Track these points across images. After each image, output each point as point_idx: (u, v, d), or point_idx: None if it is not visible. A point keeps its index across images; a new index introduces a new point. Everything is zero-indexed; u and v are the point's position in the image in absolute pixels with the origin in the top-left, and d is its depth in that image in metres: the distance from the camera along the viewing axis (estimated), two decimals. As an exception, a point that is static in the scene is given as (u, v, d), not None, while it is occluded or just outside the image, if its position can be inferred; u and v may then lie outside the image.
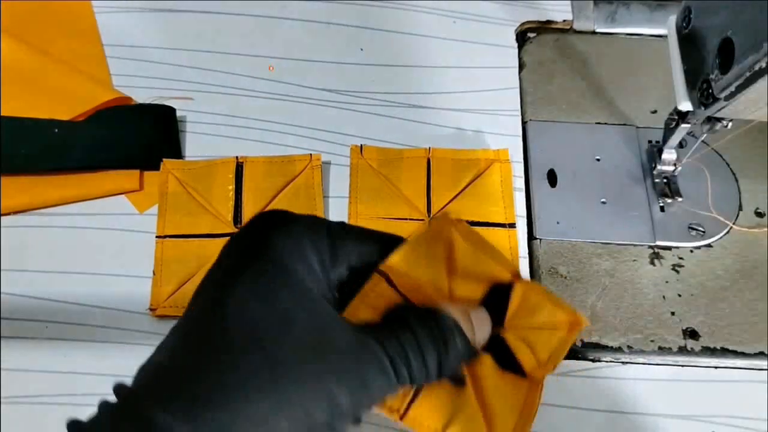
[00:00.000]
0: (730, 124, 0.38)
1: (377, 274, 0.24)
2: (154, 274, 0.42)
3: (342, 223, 0.24)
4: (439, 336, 0.22)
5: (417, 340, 0.21)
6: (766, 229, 0.45)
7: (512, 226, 0.44)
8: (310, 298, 0.21)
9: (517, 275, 0.26)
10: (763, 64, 0.29)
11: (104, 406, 0.20)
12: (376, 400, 0.21)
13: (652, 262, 0.44)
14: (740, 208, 0.45)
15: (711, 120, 0.38)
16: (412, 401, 0.24)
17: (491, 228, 0.44)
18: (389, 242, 0.25)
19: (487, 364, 0.26)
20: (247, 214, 0.43)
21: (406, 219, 0.44)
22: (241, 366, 0.19)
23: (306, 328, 0.20)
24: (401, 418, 0.24)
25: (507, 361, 0.26)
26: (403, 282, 0.25)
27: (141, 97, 0.49)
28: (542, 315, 0.26)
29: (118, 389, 0.20)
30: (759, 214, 0.45)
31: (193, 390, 0.19)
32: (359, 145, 0.47)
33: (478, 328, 0.24)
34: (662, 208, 0.45)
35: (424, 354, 0.21)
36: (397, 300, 0.25)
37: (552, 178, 0.47)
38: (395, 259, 0.25)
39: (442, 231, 0.26)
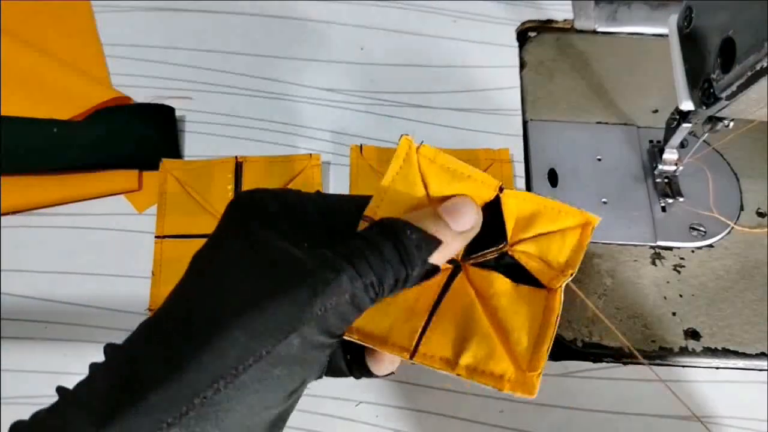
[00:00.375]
0: (732, 123, 0.38)
1: (363, 220, 0.24)
2: (153, 274, 0.42)
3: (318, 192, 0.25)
4: (390, 232, 0.22)
5: (367, 238, 0.22)
6: (767, 229, 0.44)
7: None
8: (265, 240, 0.22)
9: (500, 188, 0.25)
10: (765, 64, 0.29)
11: (94, 364, 0.21)
12: (344, 303, 0.21)
13: (653, 263, 0.43)
14: (741, 208, 0.45)
15: (712, 120, 0.38)
16: (421, 338, 0.24)
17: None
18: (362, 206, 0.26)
19: (497, 282, 0.25)
20: (247, 214, 0.43)
21: None
22: (195, 307, 0.20)
23: (258, 259, 0.21)
24: (411, 356, 0.24)
25: (524, 277, 0.25)
26: (425, 164, 0.25)
27: (140, 96, 0.49)
28: (544, 222, 0.26)
29: (108, 346, 0.21)
30: (760, 214, 0.45)
31: (176, 333, 0.20)
32: (359, 144, 0.47)
33: (454, 218, 0.24)
34: (663, 208, 0.45)
35: (380, 248, 0.22)
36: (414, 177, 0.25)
37: (553, 177, 0.47)
38: (376, 203, 0.25)
39: (412, 164, 0.25)
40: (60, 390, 0.21)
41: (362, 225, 0.24)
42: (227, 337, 0.19)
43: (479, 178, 0.25)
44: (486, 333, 0.24)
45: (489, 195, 0.25)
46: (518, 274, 0.26)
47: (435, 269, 0.23)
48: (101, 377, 0.20)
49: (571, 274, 0.25)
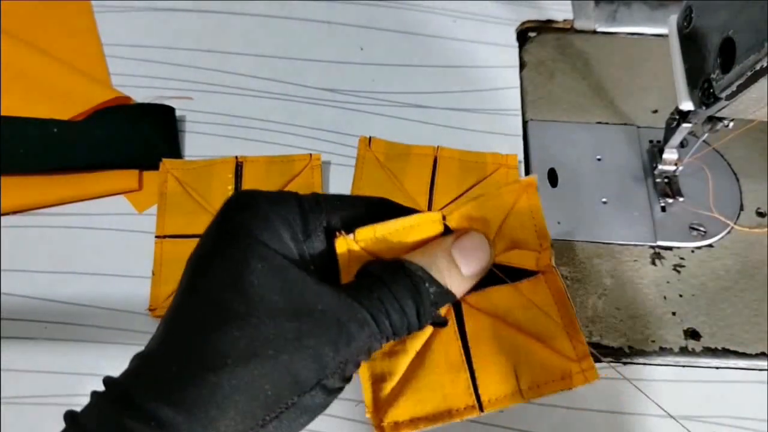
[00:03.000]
0: (732, 123, 0.38)
1: (341, 237, 0.24)
2: (153, 274, 0.42)
3: (315, 195, 0.25)
4: (411, 285, 0.22)
5: (391, 291, 0.22)
6: (767, 229, 0.44)
7: None
8: (281, 267, 0.22)
9: (443, 217, 0.25)
10: (765, 64, 0.29)
11: (95, 395, 0.21)
12: (362, 354, 0.22)
13: (653, 263, 0.43)
14: (741, 208, 0.45)
15: (712, 119, 0.38)
16: (476, 389, 0.24)
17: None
18: (374, 204, 0.25)
19: (499, 296, 0.25)
20: (247, 214, 0.43)
21: None
22: (219, 343, 0.20)
23: (281, 295, 0.21)
24: (481, 410, 0.24)
25: (512, 274, 0.25)
26: (371, 244, 0.24)
27: (140, 96, 0.49)
28: (495, 212, 0.25)
29: (107, 380, 0.21)
30: (760, 214, 0.45)
31: (174, 373, 0.19)
32: (368, 137, 0.47)
33: (467, 260, 0.24)
34: (663, 208, 0.45)
35: (401, 304, 0.22)
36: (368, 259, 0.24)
37: (553, 177, 0.47)
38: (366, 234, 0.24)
39: (357, 256, 0.24)
40: (67, 417, 0.21)
41: (338, 242, 0.24)
42: (249, 389, 0.19)
43: (422, 221, 0.25)
44: (527, 349, 0.24)
45: (438, 228, 0.25)
46: (504, 273, 0.25)
47: (444, 322, 0.24)
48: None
49: (552, 245, 0.25)
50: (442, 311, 0.25)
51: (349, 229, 0.24)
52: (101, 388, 0.21)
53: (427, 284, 0.23)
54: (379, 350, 0.23)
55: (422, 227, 0.25)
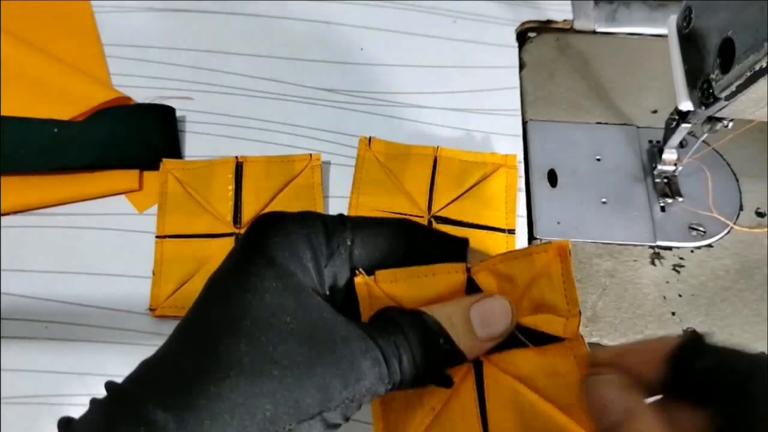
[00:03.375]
0: (731, 123, 0.38)
1: (361, 277, 0.24)
2: (153, 274, 0.42)
3: (341, 215, 0.24)
4: (426, 337, 0.22)
5: (407, 339, 0.21)
6: (766, 229, 0.44)
7: (512, 232, 0.44)
8: (300, 291, 0.21)
9: (467, 269, 0.25)
10: (764, 64, 0.29)
11: (94, 402, 0.20)
12: (368, 394, 0.21)
13: (652, 263, 0.44)
14: (741, 208, 0.45)
15: (711, 120, 0.38)
16: None
17: (490, 232, 0.44)
18: (399, 226, 0.25)
19: (523, 360, 0.24)
20: (247, 214, 0.43)
21: (405, 214, 0.44)
22: (224, 355, 0.19)
23: (296, 320, 0.20)
24: None
25: (536, 337, 0.24)
26: (391, 286, 0.24)
27: (141, 97, 0.49)
28: (523, 273, 0.25)
29: (109, 385, 0.21)
30: (760, 214, 0.45)
31: (175, 379, 0.19)
32: (368, 137, 0.47)
33: (485, 323, 0.23)
34: (663, 208, 0.45)
35: (414, 353, 0.21)
36: (387, 303, 0.24)
37: (552, 178, 0.47)
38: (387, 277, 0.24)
39: (378, 296, 0.24)
40: (61, 424, 0.20)
41: (359, 283, 0.24)
42: (249, 405, 0.19)
43: (444, 270, 0.24)
44: (547, 416, 0.23)
45: (460, 278, 0.24)
46: (529, 336, 0.25)
47: (449, 383, 0.23)
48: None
49: (579, 313, 0.24)
50: (462, 369, 0.24)
51: (373, 253, 0.24)
52: (101, 388, 0.21)
53: (441, 340, 0.22)
54: (394, 402, 0.23)
55: (445, 276, 0.24)
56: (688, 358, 0.21)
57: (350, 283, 0.24)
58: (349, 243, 0.23)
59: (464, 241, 0.26)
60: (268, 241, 0.22)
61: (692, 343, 0.21)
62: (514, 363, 0.24)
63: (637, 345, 0.23)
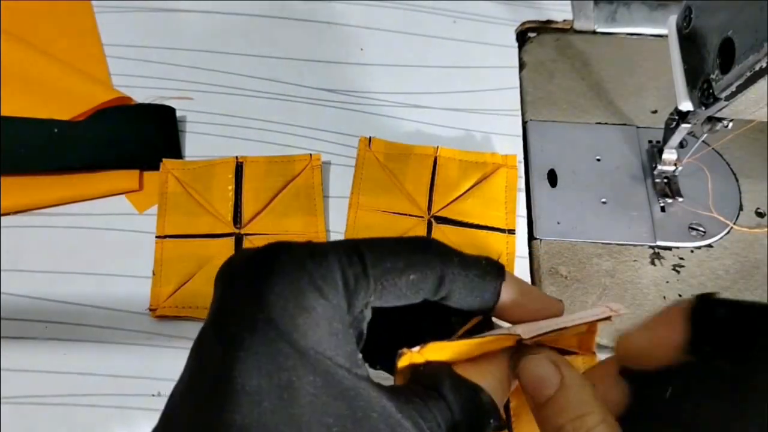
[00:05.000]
0: (731, 124, 0.38)
1: (407, 354, 0.21)
2: (153, 274, 0.42)
3: (363, 263, 0.20)
4: (476, 418, 0.19)
5: (453, 417, 0.19)
6: (766, 229, 0.44)
7: (512, 232, 0.44)
8: (336, 377, 0.18)
9: (519, 341, 0.22)
10: (764, 64, 0.29)
11: None
12: None
13: (652, 263, 0.44)
14: (741, 208, 0.45)
15: (711, 120, 0.38)
16: None
17: (490, 232, 0.44)
18: (430, 263, 0.21)
19: None
20: (247, 214, 0.43)
21: (405, 214, 0.44)
22: None
23: (338, 420, 0.17)
24: None
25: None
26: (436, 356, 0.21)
27: (141, 97, 0.49)
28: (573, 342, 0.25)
29: None
30: (759, 214, 0.45)
31: None
32: (368, 137, 0.47)
33: (534, 395, 0.21)
34: (663, 208, 0.45)
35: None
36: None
37: (552, 178, 0.47)
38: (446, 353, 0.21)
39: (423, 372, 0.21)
40: None
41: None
42: None
43: (494, 343, 0.22)
44: None
45: (509, 343, 0.23)
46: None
47: None
48: None
49: (594, 335, 0.24)
50: None
51: (398, 302, 0.21)
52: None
53: (492, 420, 0.20)
54: None
55: (495, 344, 0.22)
56: (706, 312, 0.20)
57: (368, 331, 0.21)
58: (373, 300, 0.20)
59: (500, 272, 0.23)
60: (294, 324, 0.18)
61: (707, 299, 0.21)
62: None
63: (651, 322, 0.22)
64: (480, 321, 0.24)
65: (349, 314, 0.19)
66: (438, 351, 0.21)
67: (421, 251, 0.21)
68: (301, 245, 0.19)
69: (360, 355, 0.19)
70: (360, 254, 0.20)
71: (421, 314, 0.23)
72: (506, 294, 0.23)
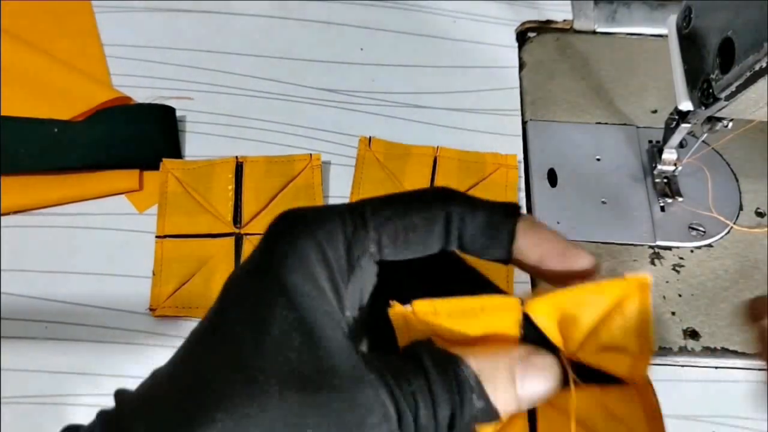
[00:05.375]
0: (731, 123, 0.38)
1: (396, 307, 0.20)
2: (153, 274, 0.42)
3: (363, 212, 0.20)
4: (456, 392, 0.19)
5: (431, 391, 0.18)
6: (766, 229, 0.44)
7: None
8: (312, 323, 0.19)
9: (521, 302, 0.21)
10: (764, 64, 0.29)
11: (99, 415, 0.19)
12: None
13: (652, 262, 0.44)
14: (741, 208, 0.45)
15: (711, 120, 0.38)
16: None
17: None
18: (432, 207, 0.21)
19: (581, 400, 0.21)
20: (247, 214, 0.43)
21: None
22: (217, 391, 0.18)
23: (300, 358, 0.18)
24: None
25: (597, 376, 0.21)
26: (430, 317, 0.20)
27: (141, 97, 0.49)
28: (590, 310, 0.21)
29: (115, 397, 0.20)
30: (759, 214, 0.45)
31: (167, 409, 0.18)
32: (368, 137, 0.47)
33: (529, 381, 0.20)
34: (662, 208, 0.45)
35: (436, 406, 0.19)
36: (426, 332, 0.21)
37: (552, 177, 0.47)
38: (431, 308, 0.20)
39: (414, 327, 0.21)
40: None
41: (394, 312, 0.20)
42: None
43: (494, 306, 0.20)
44: None
45: (514, 317, 0.21)
46: (591, 374, 0.21)
47: None
48: None
49: (651, 351, 0.21)
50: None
51: (404, 252, 0.20)
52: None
53: (474, 395, 0.19)
54: None
55: (494, 312, 0.20)
56: None
57: (380, 283, 0.21)
58: (373, 249, 0.20)
59: (512, 210, 0.21)
60: (281, 260, 0.19)
61: None
62: (570, 402, 0.21)
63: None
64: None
65: (348, 263, 0.20)
66: (429, 310, 0.20)
67: (421, 195, 0.21)
68: (309, 209, 0.21)
69: (349, 313, 0.20)
70: (360, 206, 0.20)
71: (457, 285, 0.22)
72: (525, 240, 0.21)
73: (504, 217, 0.21)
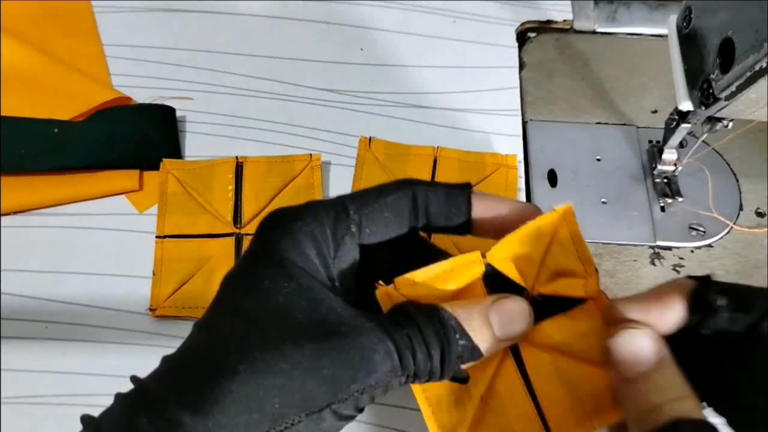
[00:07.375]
0: (731, 124, 0.38)
1: (382, 288, 0.24)
2: (153, 274, 0.42)
3: (344, 201, 0.24)
4: (442, 331, 0.22)
5: (422, 332, 0.21)
6: (766, 229, 0.44)
7: None
8: (311, 288, 0.22)
9: (482, 255, 0.24)
10: (764, 64, 0.29)
11: (119, 396, 0.21)
12: (379, 386, 0.21)
13: (652, 263, 0.44)
14: (741, 208, 0.45)
15: (711, 120, 0.38)
16: (546, 426, 0.23)
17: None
18: (401, 190, 0.25)
19: (553, 329, 0.24)
20: (247, 214, 0.43)
21: None
22: (236, 352, 0.20)
23: (306, 316, 0.21)
24: None
25: (559, 303, 0.25)
26: (411, 290, 0.24)
27: (141, 97, 0.49)
28: (535, 246, 0.25)
29: (133, 379, 0.22)
30: (759, 214, 0.45)
31: (191, 376, 0.21)
32: (368, 137, 0.47)
33: (502, 323, 0.23)
34: (663, 208, 0.45)
35: (429, 347, 0.21)
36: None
37: (552, 178, 0.47)
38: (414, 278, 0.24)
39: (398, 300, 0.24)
40: (84, 420, 0.21)
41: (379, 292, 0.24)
42: (257, 399, 0.20)
43: (461, 263, 0.24)
44: (590, 378, 0.23)
45: (478, 269, 0.25)
46: (554, 303, 0.25)
47: (465, 379, 0.23)
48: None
49: (596, 270, 0.25)
50: (500, 353, 0.25)
51: (382, 229, 0.24)
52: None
53: (457, 335, 0.22)
54: (442, 401, 0.23)
55: (462, 269, 0.24)
56: (709, 299, 0.21)
57: (362, 268, 0.24)
58: (354, 230, 0.24)
59: (466, 185, 0.26)
60: (276, 243, 0.23)
61: (707, 284, 0.22)
62: (546, 333, 0.25)
63: (650, 294, 0.23)
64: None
65: (333, 241, 0.23)
66: (409, 283, 0.23)
67: (390, 183, 0.25)
68: (297, 205, 0.25)
69: (338, 284, 0.23)
70: (340, 198, 0.25)
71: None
72: (480, 206, 0.26)
73: (460, 190, 0.26)
